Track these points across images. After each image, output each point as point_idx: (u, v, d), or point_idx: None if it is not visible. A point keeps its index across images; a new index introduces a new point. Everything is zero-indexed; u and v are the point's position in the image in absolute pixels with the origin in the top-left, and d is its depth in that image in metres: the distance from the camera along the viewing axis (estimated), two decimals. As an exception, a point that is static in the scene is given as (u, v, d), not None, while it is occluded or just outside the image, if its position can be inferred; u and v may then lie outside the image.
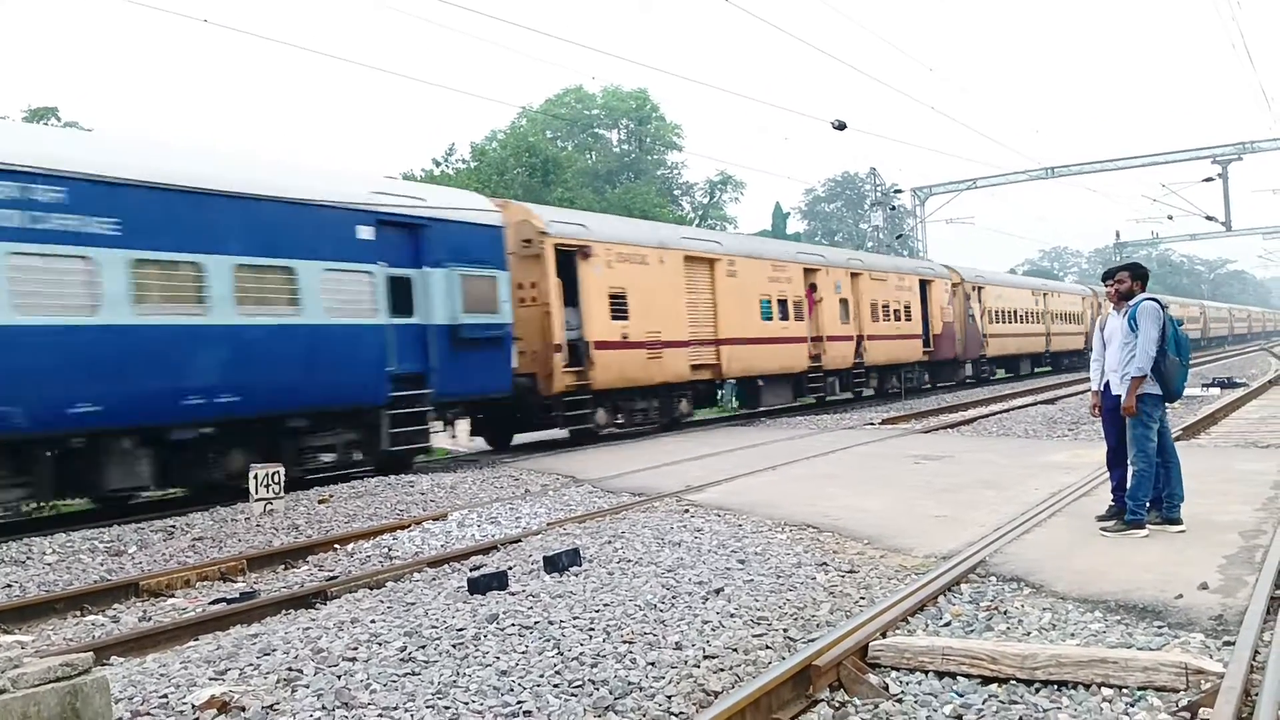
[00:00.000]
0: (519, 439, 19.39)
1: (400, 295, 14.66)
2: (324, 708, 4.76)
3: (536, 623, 6.02)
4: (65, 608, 7.75)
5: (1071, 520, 8.53)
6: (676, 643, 5.57)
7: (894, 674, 5.12)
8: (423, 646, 5.65)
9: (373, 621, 6.31)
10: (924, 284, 31.77)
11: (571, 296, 17.97)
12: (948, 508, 9.59)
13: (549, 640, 5.66)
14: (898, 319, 29.74)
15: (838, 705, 4.79)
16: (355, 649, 5.67)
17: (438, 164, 57.74)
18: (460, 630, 5.93)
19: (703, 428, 21.85)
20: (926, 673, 5.06)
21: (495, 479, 13.79)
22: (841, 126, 28.67)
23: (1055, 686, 4.77)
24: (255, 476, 11.29)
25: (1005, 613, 6.04)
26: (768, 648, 5.55)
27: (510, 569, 7.61)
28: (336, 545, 9.73)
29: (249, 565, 8.98)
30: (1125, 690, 4.63)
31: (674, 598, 6.54)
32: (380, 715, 4.67)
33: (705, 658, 5.32)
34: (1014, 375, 40.21)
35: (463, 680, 5.07)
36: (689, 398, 21.42)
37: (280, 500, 11.43)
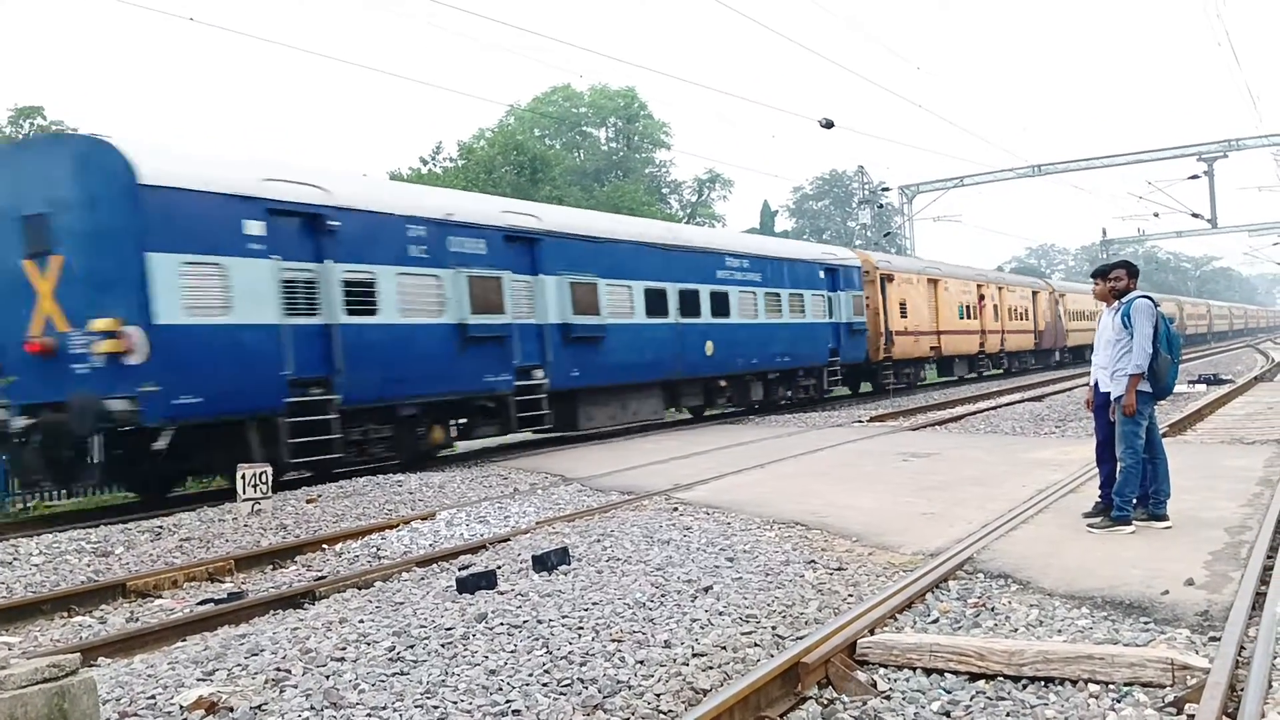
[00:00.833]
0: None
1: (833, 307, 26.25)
2: (312, 708, 4.75)
3: (525, 622, 6.02)
4: (52, 609, 7.71)
5: (1058, 517, 8.57)
6: (665, 641, 5.58)
7: (882, 671, 5.13)
8: (411, 646, 5.65)
9: (361, 621, 6.30)
10: (1034, 294, 42.98)
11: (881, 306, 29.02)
12: (935, 505, 9.62)
13: (538, 639, 5.66)
14: (1018, 319, 40.53)
15: (826, 703, 4.80)
16: (344, 649, 5.66)
17: (425, 162, 57.63)
18: (449, 630, 5.93)
19: (692, 427, 21.87)
20: (914, 670, 5.08)
21: (484, 478, 13.77)
22: (829, 125, 28.78)
23: (1042, 683, 4.79)
24: (243, 476, 11.25)
25: (993, 609, 6.06)
26: (756, 645, 5.57)
27: (499, 568, 7.61)
28: (325, 545, 9.70)
29: (237, 565, 8.95)
30: (1111, 686, 4.65)
31: (663, 596, 6.54)
32: (369, 715, 4.66)
33: (694, 656, 5.33)
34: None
35: (451, 680, 5.06)
36: (924, 368, 34.25)
37: (268, 500, 11.39)
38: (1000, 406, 22.29)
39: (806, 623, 6.02)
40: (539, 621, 6.01)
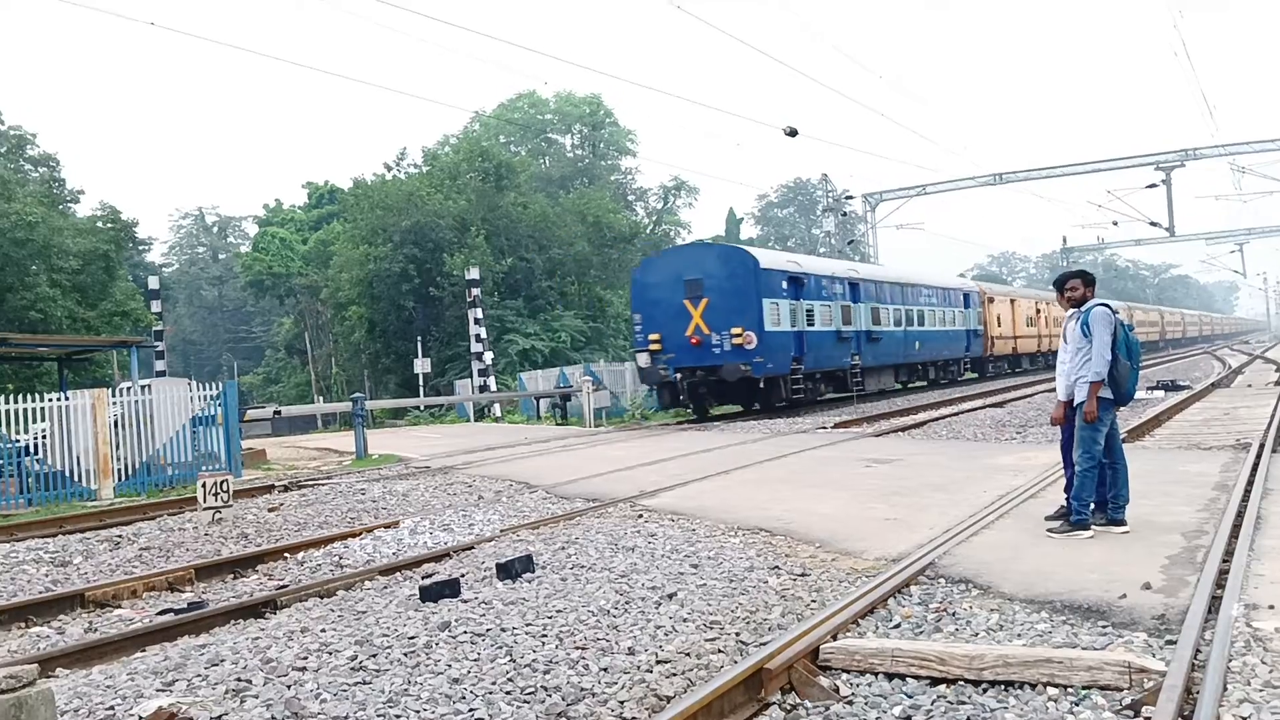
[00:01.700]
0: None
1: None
2: (273, 718, 4.71)
3: (489, 630, 6.00)
4: (9, 619, 7.61)
5: (1019, 522, 8.64)
6: (629, 648, 5.58)
7: (845, 676, 5.15)
8: (374, 655, 5.61)
9: (323, 631, 6.26)
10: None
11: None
12: (898, 510, 9.68)
13: (501, 647, 5.64)
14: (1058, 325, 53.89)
15: (789, 708, 4.82)
16: (305, 658, 5.62)
17: (389, 168, 57.40)
18: (412, 638, 5.90)
19: (655, 433, 21.90)
20: (877, 674, 5.11)
21: (448, 486, 13.72)
22: (793, 133, 28.98)
23: (1002, 686, 4.83)
24: (204, 485, 11.16)
25: (954, 614, 6.10)
26: (720, 651, 5.58)
27: (463, 576, 7.59)
28: (286, 554, 9.63)
29: (197, 575, 8.86)
30: (1070, 689, 4.70)
31: (627, 603, 6.55)
32: (331, 725, 4.63)
33: (658, 662, 5.33)
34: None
35: (414, 689, 5.04)
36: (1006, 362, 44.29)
37: (229, 509, 11.30)
38: (962, 413, 22.47)
39: (770, 629, 6.04)
40: (503, 629, 6.00)
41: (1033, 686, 4.77)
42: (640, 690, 4.95)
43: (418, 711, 4.74)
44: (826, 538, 8.57)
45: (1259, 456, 11.38)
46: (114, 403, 16.24)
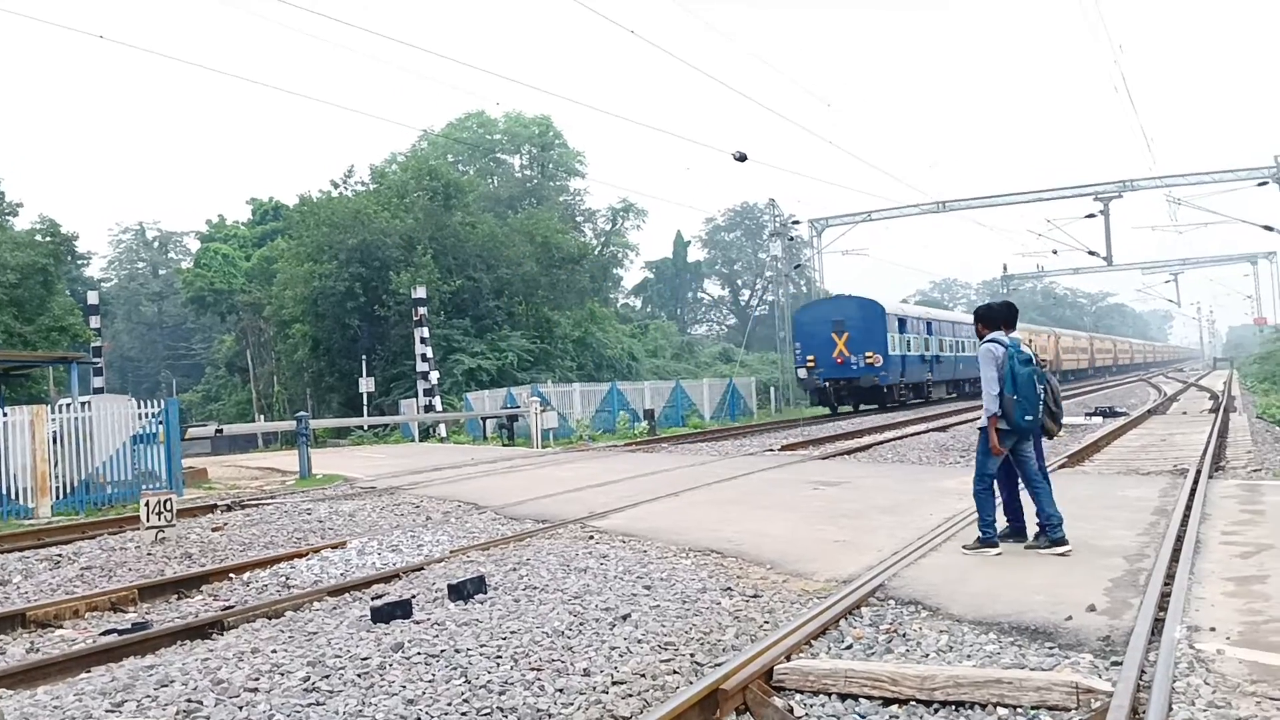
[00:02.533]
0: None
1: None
2: (226, 740, 4.66)
3: (443, 651, 5.98)
4: (-55, 641, 7.43)
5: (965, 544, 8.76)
6: (585, 669, 5.59)
7: (798, 697, 5.20)
8: (326, 676, 5.57)
9: (274, 651, 6.19)
10: (1058, 337, 69.74)
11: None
12: (847, 532, 9.77)
13: (456, 668, 5.62)
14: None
15: (744, 729, 4.86)
16: (257, 679, 5.56)
17: (336, 185, 56.95)
18: (365, 659, 5.86)
19: (603, 454, 21.90)
20: (830, 695, 5.16)
21: (395, 506, 13.62)
22: (742, 158, 29.23)
23: (953, 707, 4.91)
24: (147, 504, 10.98)
25: (904, 635, 6.18)
26: (675, 673, 5.60)
27: (414, 597, 7.54)
28: (232, 574, 9.50)
29: (140, 595, 8.71)
30: (1020, 710, 4.79)
31: (581, 624, 6.55)
32: (284, 747, 4.59)
33: (613, 684, 5.35)
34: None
35: (368, 710, 5.01)
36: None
37: (172, 528, 11.12)
38: (906, 436, 22.75)
39: (724, 650, 6.07)
40: (457, 651, 5.98)
41: (983, 707, 4.86)
42: (596, 711, 4.96)
43: (373, 733, 4.71)
44: (777, 559, 8.63)
45: (1196, 482, 11.65)
46: (53, 419, 15.93)
